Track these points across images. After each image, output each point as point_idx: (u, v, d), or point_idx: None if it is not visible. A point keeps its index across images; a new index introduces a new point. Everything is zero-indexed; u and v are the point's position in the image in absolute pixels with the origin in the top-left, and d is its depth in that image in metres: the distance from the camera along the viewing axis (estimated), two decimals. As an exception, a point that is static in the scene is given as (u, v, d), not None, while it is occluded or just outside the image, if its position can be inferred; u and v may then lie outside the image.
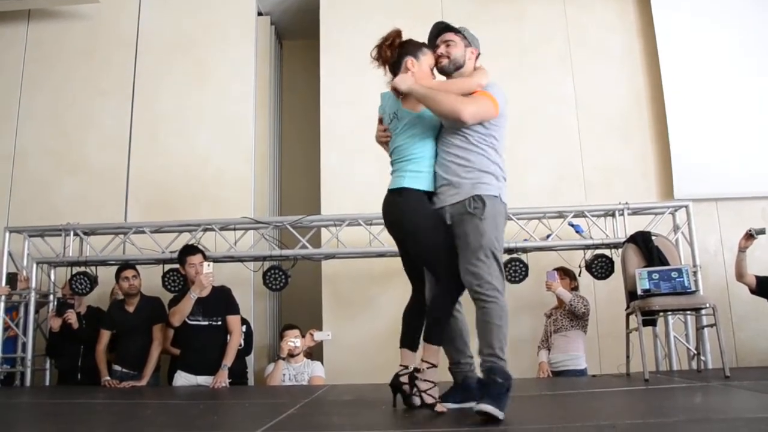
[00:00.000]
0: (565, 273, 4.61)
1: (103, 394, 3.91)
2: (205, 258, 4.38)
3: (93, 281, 4.75)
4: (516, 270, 4.58)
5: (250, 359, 4.87)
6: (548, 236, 4.72)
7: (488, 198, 2.59)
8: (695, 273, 4.44)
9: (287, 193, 6.44)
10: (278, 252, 4.82)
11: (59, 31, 5.85)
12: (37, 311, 4.84)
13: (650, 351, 4.41)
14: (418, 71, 2.71)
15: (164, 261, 4.79)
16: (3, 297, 4.66)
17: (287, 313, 5.84)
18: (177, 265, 4.56)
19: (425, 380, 2.64)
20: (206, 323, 4.18)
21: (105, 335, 4.39)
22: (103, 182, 5.51)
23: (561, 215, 4.75)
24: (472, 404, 2.47)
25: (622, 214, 4.70)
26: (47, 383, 4.86)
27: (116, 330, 4.41)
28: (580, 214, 4.74)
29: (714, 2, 5.48)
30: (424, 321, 2.71)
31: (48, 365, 4.87)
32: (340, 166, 5.43)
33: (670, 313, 4.22)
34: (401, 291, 2.95)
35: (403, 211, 2.68)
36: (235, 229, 4.97)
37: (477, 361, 2.65)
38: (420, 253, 2.72)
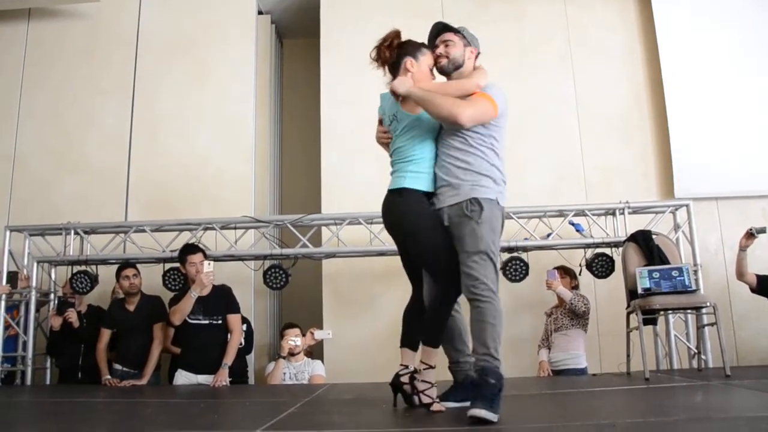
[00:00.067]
0: (565, 272, 4.61)
1: (103, 393, 3.91)
2: (206, 257, 4.39)
3: (93, 280, 4.76)
4: (516, 269, 4.58)
5: (250, 358, 4.87)
6: (549, 235, 4.72)
7: (485, 201, 2.59)
8: (696, 272, 4.44)
9: (288, 192, 6.44)
10: (279, 251, 4.82)
11: (59, 30, 5.85)
12: (37, 310, 4.85)
13: (651, 350, 4.41)
14: (417, 72, 2.71)
15: (165, 260, 4.79)
16: (4, 296, 4.66)
17: (288, 312, 5.83)
18: (177, 264, 4.56)
19: (423, 381, 2.65)
20: (207, 322, 4.19)
21: (105, 334, 4.39)
22: (104, 181, 5.51)
23: (561, 214, 4.75)
24: (471, 403, 2.47)
25: (623, 213, 4.71)
26: (48, 382, 4.86)
27: (117, 329, 4.42)
28: (580, 213, 4.74)
29: (714, 2, 5.48)
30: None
31: (49, 364, 4.87)
32: (341, 165, 5.43)
33: (670, 311, 4.22)
34: (402, 290, 2.96)
35: (403, 212, 2.68)
36: (235, 228, 4.98)
37: (474, 360, 2.66)
38: (419, 254, 2.72)
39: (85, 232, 4.96)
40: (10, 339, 4.73)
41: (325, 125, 5.55)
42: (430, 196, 2.72)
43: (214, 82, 5.70)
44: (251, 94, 5.73)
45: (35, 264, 4.87)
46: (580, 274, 4.68)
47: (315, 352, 4.83)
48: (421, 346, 2.70)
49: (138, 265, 4.61)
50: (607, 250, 4.65)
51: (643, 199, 4.98)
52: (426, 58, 2.75)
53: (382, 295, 5.02)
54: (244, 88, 5.72)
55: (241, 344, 4.39)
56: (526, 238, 4.71)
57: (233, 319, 4.25)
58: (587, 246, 4.70)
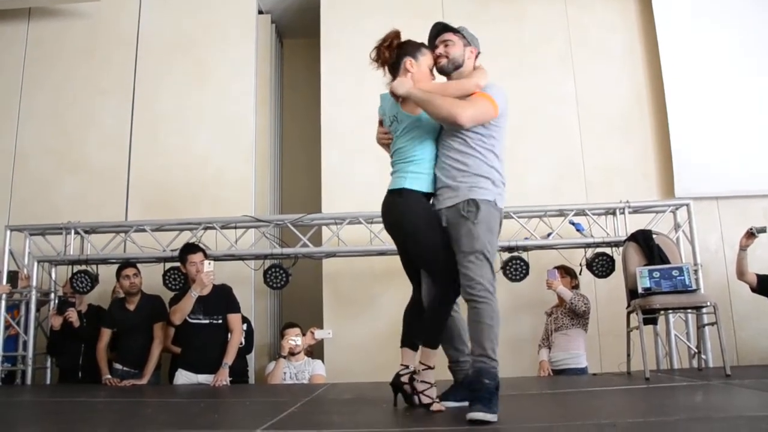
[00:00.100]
0: (565, 271, 4.61)
1: (103, 393, 3.91)
2: (206, 256, 4.39)
3: (94, 280, 4.76)
4: (517, 268, 4.58)
5: (250, 358, 4.88)
6: (549, 234, 4.72)
7: (482, 202, 2.59)
8: (696, 271, 4.43)
9: (288, 191, 6.44)
10: (279, 250, 4.82)
11: (60, 29, 5.85)
12: (38, 309, 4.85)
13: (651, 349, 4.40)
14: (417, 72, 2.71)
15: (165, 259, 4.79)
16: (4, 295, 4.66)
17: (288, 312, 5.84)
18: (178, 264, 4.56)
19: (422, 381, 2.66)
20: (207, 322, 4.19)
21: (106, 334, 4.40)
22: (104, 181, 5.51)
23: (562, 213, 4.75)
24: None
25: (623, 213, 4.71)
26: (48, 382, 4.86)
27: (117, 328, 4.42)
28: (580, 213, 4.74)
29: (715, 2, 5.48)
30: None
31: (49, 364, 4.87)
32: (341, 165, 5.43)
33: (671, 311, 4.23)
34: (402, 290, 2.96)
35: (403, 213, 2.69)
36: (236, 228, 4.98)
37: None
38: (419, 254, 2.72)
39: (86, 232, 4.96)
40: (10, 339, 4.73)
41: (325, 125, 5.55)
42: (429, 196, 2.72)
43: (214, 82, 5.70)
44: (251, 94, 5.73)
45: (35, 263, 4.87)
46: (580, 274, 4.68)
47: (315, 351, 4.83)
48: (420, 347, 2.70)
49: (138, 265, 4.60)
50: (608, 250, 4.64)
51: (644, 198, 4.98)
52: (426, 59, 2.75)
53: (382, 294, 5.02)
54: (244, 88, 5.72)
55: (241, 344, 4.39)
56: (526, 238, 4.71)
57: (233, 319, 4.25)
58: (587, 245, 4.70)
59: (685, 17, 5.46)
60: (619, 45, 5.62)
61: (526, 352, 4.80)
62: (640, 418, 2.48)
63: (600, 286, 4.86)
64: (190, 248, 4.41)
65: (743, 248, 4.18)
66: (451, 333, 2.78)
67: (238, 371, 4.43)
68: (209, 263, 4.22)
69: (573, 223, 4.73)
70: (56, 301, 4.82)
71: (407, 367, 2.70)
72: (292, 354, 4.39)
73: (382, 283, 5.02)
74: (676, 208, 4.76)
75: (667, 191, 5.25)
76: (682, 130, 5.28)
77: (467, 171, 2.63)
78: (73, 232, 4.91)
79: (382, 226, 4.43)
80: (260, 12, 6.10)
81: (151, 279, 4.72)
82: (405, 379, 2.69)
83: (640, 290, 3.91)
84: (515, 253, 4.63)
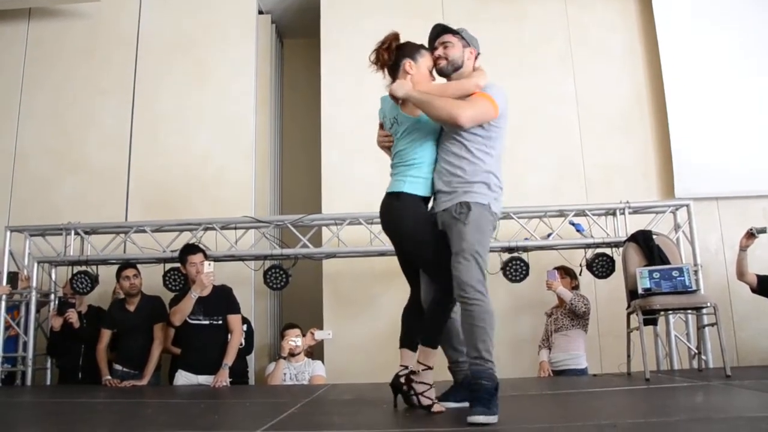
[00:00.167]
0: (565, 272, 4.60)
1: (104, 394, 3.91)
2: (206, 257, 4.39)
3: (94, 280, 4.75)
4: (516, 269, 4.58)
5: (250, 358, 4.88)
6: (549, 235, 4.71)
7: (475, 205, 2.59)
8: (696, 272, 4.43)
9: (288, 192, 6.44)
10: (279, 251, 4.82)
11: (60, 30, 5.85)
12: (38, 310, 4.85)
13: (651, 350, 4.40)
14: (416, 73, 2.71)
15: (165, 260, 4.79)
16: (4, 296, 4.65)
17: (288, 313, 5.84)
18: (178, 265, 4.56)
19: (421, 382, 2.65)
20: (207, 322, 4.19)
21: (106, 334, 4.40)
22: (104, 181, 5.51)
23: (562, 214, 4.75)
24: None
25: (623, 213, 4.70)
26: (48, 382, 4.86)
27: (117, 329, 4.42)
28: (580, 213, 4.74)
29: (715, 2, 5.47)
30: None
31: (49, 364, 4.87)
32: (341, 165, 5.43)
33: (671, 312, 4.22)
34: (402, 290, 2.95)
35: (401, 216, 2.69)
36: (236, 228, 4.98)
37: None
38: (417, 256, 2.73)
39: (86, 233, 4.96)
40: (10, 339, 4.73)
41: (325, 125, 5.55)
42: (428, 200, 2.74)
43: (214, 82, 5.70)
44: (251, 94, 5.73)
45: (35, 264, 4.87)
46: (580, 274, 4.67)
47: (315, 352, 4.83)
48: (419, 347, 2.70)
49: (138, 266, 4.61)
50: (608, 250, 4.64)
51: (644, 198, 4.98)
52: (425, 60, 2.75)
53: (382, 295, 5.02)
54: (244, 87, 5.72)
55: (241, 345, 4.39)
56: (526, 238, 4.71)
57: (233, 320, 4.25)
58: (587, 246, 4.69)
59: (685, 17, 5.46)
60: (619, 45, 5.62)
61: (526, 352, 4.80)
62: (640, 419, 2.48)
63: (600, 286, 4.85)
64: (190, 249, 4.41)
65: (743, 249, 4.18)
66: (450, 333, 2.77)
67: (238, 372, 4.43)
68: (209, 264, 4.22)
69: (573, 224, 4.73)
70: (56, 302, 4.82)
71: (407, 367, 2.70)
72: (292, 355, 4.39)
73: (382, 284, 5.01)
74: (676, 209, 4.76)
75: (667, 191, 5.24)
76: (682, 130, 5.27)
77: (463, 177, 2.63)
78: (73, 232, 4.91)
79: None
80: (260, 12, 6.10)
81: (151, 280, 4.72)
82: (404, 379, 2.69)
83: (640, 291, 3.91)
84: (515, 254, 4.62)
